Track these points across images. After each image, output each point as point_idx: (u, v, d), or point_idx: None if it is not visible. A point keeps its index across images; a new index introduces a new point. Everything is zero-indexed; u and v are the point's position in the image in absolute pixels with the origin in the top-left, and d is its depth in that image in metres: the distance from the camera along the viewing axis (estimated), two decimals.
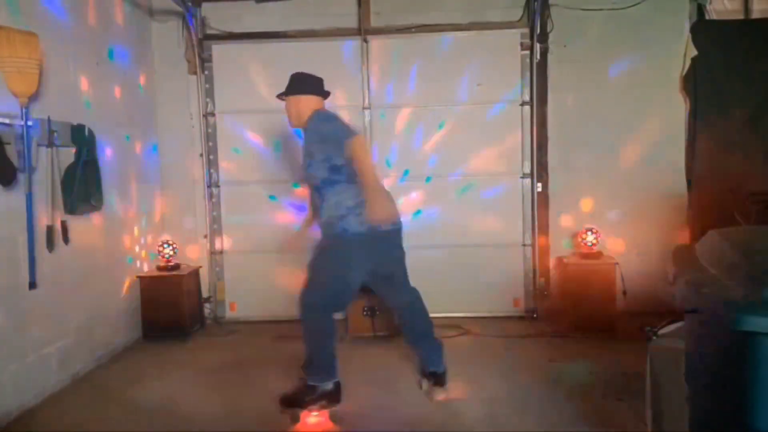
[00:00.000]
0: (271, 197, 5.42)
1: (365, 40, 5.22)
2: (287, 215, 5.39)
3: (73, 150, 3.94)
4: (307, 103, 3.44)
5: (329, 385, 3.37)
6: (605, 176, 5.18)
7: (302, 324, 3.33)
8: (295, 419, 3.30)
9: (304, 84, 3.47)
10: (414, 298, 3.64)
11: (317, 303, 3.28)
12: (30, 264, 3.51)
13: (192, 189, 5.44)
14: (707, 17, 4.93)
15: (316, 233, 3.54)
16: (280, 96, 3.51)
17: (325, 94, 3.54)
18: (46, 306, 3.71)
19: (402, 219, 3.60)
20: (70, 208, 3.89)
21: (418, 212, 5.31)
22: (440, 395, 3.55)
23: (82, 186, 3.95)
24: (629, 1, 4.94)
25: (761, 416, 1.39)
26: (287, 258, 5.00)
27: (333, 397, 3.38)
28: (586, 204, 5.22)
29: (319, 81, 3.52)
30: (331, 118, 3.42)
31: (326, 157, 3.30)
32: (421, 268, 5.24)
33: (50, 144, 3.70)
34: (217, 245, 5.49)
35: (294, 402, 3.35)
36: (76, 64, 4.14)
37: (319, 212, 3.40)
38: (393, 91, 5.26)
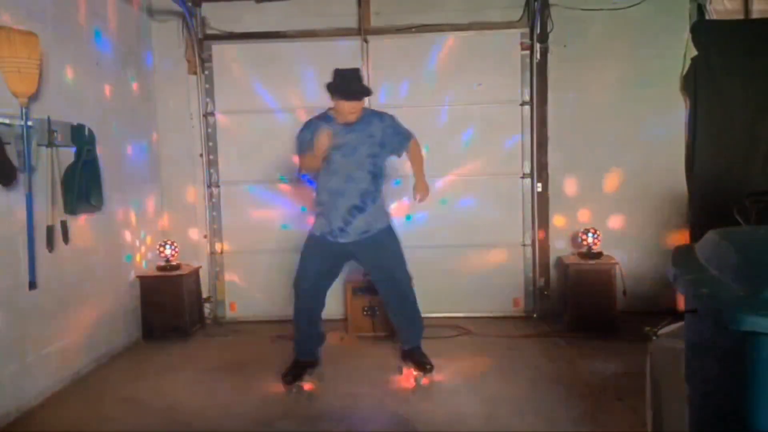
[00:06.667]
0: (272, 197, 5.43)
1: (365, 40, 5.22)
2: (287, 215, 5.40)
3: (73, 150, 3.95)
4: None
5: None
6: (605, 176, 5.18)
7: (412, 295, 3.82)
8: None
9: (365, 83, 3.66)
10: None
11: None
12: (30, 264, 3.51)
13: (192, 189, 5.44)
14: (707, 17, 4.92)
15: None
16: (361, 97, 3.55)
17: None
18: (46, 306, 3.71)
19: (395, 219, 4.09)
20: (70, 208, 3.89)
21: (418, 213, 5.30)
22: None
23: (82, 186, 3.95)
24: (629, 1, 4.93)
25: (761, 416, 1.39)
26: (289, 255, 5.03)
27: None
28: (586, 204, 5.22)
29: None
30: (385, 112, 3.82)
31: (392, 148, 3.75)
32: (421, 268, 5.24)
33: (50, 144, 3.70)
34: (217, 245, 5.49)
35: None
36: (75, 63, 4.13)
37: (370, 201, 3.63)
38: (393, 91, 5.25)
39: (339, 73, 3.57)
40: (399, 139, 3.76)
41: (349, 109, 3.52)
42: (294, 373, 3.78)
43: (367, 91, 3.60)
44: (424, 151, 3.95)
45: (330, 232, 3.64)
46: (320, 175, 3.68)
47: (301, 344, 3.88)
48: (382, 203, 3.76)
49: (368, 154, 3.62)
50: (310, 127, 3.65)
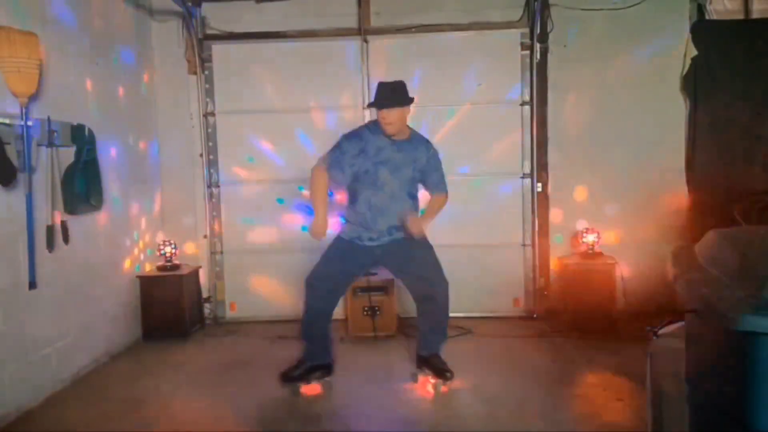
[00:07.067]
0: (279, 200, 5.42)
1: (365, 40, 5.22)
2: (287, 215, 5.40)
3: (73, 150, 3.94)
4: (408, 111, 3.56)
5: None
6: (605, 176, 5.18)
7: (446, 301, 3.71)
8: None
9: (405, 94, 3.53)
10: None
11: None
12: (30, 264, 3.51)
13: (192, 189, 5.44)
14: (707, 17, 4.92)
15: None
16: (389, 106, 3.46)
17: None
18: (46, 306, 3.71)
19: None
20: (70, 208, 3.90)
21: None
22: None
23: (82, 186, 3.96)
24: (629, 1, 4.94)
25: (761, 416, 1.39)
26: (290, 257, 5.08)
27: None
28: (586, 204, 5.22)
29: None
30: (433, 147, 3.75)
31: (427, 181, 3.72)
32: None
33: (50, 144, 3.70)
34: (217, 245, 5.49)
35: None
36: (76, 63, 4.14)
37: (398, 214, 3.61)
38: None
39: (378, 85, 3.57)
40: (437, 177, 3.71)
41: (382, 119, 3.46)
42: (298, 374, 3.70)
43: (396, 101, 3.45)
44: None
45: (359, 237, 3.62)
46: (361, 186, 3.59)
47: (307, 344, 3.74)
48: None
49: (411, 177, 3.62)
50: (357, 139, 3.55)
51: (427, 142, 3.73)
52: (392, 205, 3.57)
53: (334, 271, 3.64)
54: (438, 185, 3.76)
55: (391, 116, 3.46)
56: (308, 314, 3.67)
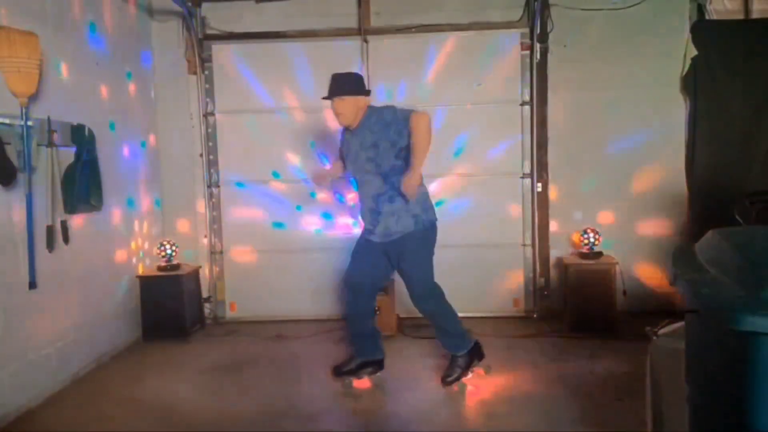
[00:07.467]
0: (272, 197, 5.44)
1: (365, 40, 5.22)
2: (287, 214, 5.40)
3: (73, 150, 3.95)
4: (365, 102, 3.55)
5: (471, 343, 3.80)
6: (605, 176, 5.18)
7: (435, 312, 3.67)
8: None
9: (360, 85, 3.56)
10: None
11: (437, 288, 3.66)
12: (30, 264, 3.51)
13: (192, 189, 5.44)
14: (707, 17, 4.92)
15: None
16: (336, 96, 3.48)
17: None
18: (46, 306, 3.71)
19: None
20: (70, 208, 3.90)
21: None
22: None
23: (82, 186, 3.96)
24: (629, 1, 4.94)
25: (761, 416, 1.39)
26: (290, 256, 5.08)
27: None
28: (586, 204, 5.22)
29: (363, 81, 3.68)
30: (387, 106, 3.62)
31: (392, 143, 3.43)
32: None
33: (50, 144, 3.70)
34: (217, 245, 5.49)
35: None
36: (75, 64, 4.13)
37: (385, 201, 3.53)
38: (393, 91, 5.25)
39: (331, 77, 3.56)
40: (396, 127, 3.38)
41: (333, 110, 3.54)
42: (349, 368, 3.79)
43: (340, 91, 3.44)
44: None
45: (368, 233, 3.69)
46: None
47: (355, 342, 3.85)
48: (403, 203, 3.49)
49: (366, 158, 3.51)
50: (339, 134, 3.85)
51: (380, 109, 3.53)
52: (364, 190, 3.62)
53: (359, 269, 3.72)
54: (402, 127, 3.38)
55: (340, 107, 3.48)
56: (347, 312, 3.86)
